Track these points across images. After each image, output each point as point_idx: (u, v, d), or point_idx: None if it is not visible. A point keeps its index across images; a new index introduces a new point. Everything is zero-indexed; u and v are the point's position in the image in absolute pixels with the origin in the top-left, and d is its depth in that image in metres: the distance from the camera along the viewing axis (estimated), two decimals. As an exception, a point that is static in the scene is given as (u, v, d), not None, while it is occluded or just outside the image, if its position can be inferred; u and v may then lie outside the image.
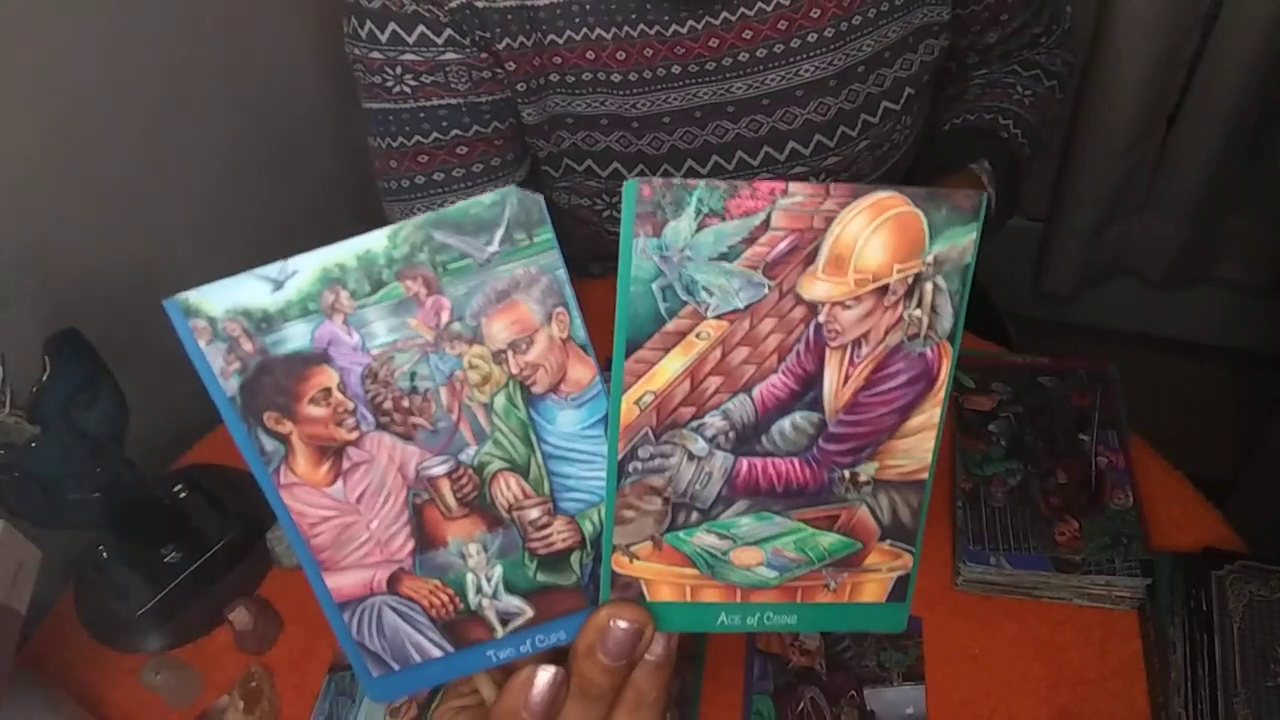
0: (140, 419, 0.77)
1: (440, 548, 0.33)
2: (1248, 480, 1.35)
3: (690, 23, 0.73)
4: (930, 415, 0.33)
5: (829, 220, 0.30)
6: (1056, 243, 1.60)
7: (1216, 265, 1.61)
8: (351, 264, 0.30)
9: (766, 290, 0.31)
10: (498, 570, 0.34)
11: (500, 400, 0.32)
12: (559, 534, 0.34)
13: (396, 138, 0.79)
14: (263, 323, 0.30)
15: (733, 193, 0.30)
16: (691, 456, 0.33)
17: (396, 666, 0.34)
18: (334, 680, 0.74)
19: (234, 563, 0.82)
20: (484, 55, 0.76)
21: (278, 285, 0.30)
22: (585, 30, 0.73)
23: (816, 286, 0.31)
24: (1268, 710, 0.61)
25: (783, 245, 0.31)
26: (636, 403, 0.32)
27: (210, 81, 0.96)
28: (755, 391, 0.32)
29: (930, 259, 0.31)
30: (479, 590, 0.34)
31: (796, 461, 0.33)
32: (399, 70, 0.75)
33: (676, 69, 0.75)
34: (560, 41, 0.74)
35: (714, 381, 0.32)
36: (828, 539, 0.34)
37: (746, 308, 0.31)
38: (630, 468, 0.32)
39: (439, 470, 0.32)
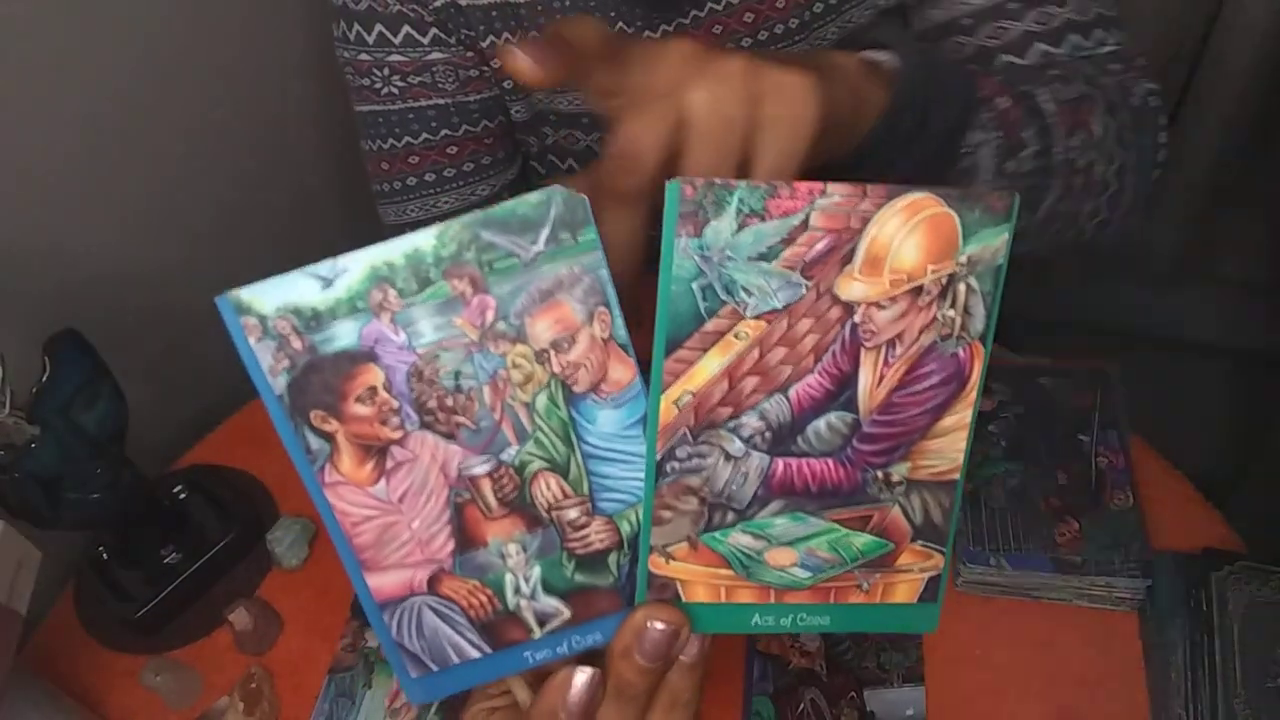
0: (140, 419, 0.77)
1: (480, 548, 0.33)
2: (1248, 480, 1.35)
3: (663, 27, 0.73)
4: (962, 416, 0.33)
5: (865, 220, 0.31)
6: (1057, 242, 1.60)
7: (1216, 265, 1.60)
8: (400, 262, 0.30)
9: (804, 290, 0.31)
10: (536, 571, 0.34)
11: (542, 400, 0.32)
12: (597, 534, 0.34)
13: (387, 139, 0.79)
14: (312, 321, 0.30)
15: (773, 193, 0.30)
16: (728, 456, 0.33)
17: (435, 667, 0.34)
18: (334, 681, 0.74)
19: (234, 563, 0.82)
20: (470, 54, 0.76)
21: (328, 283, 0.29)
22: None
23: (853, 287, 0.31)
24: (1268, 711, 0.61)
25: (820, 245, 0.31)
26: (675, 403, 0.32)
27: (211, 83, 0.96)
28: (791, 391, 0.32)
29: (964, 259, 0.31)
30: (517, 591, 0.34)
31: (831, 462, 0.33)
32: (386, 71, 0.75)
33: None
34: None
35: (751, 381, 0.32)
36: (861, 539, 0.34)
37: (784, 308, 0.31)
38: (668, 468, 0.33)
39: (481, 470, 0.32)
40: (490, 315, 0.31)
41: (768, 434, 0.33)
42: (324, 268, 0.29)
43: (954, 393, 0.33)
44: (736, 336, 0.31)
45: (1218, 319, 1.67)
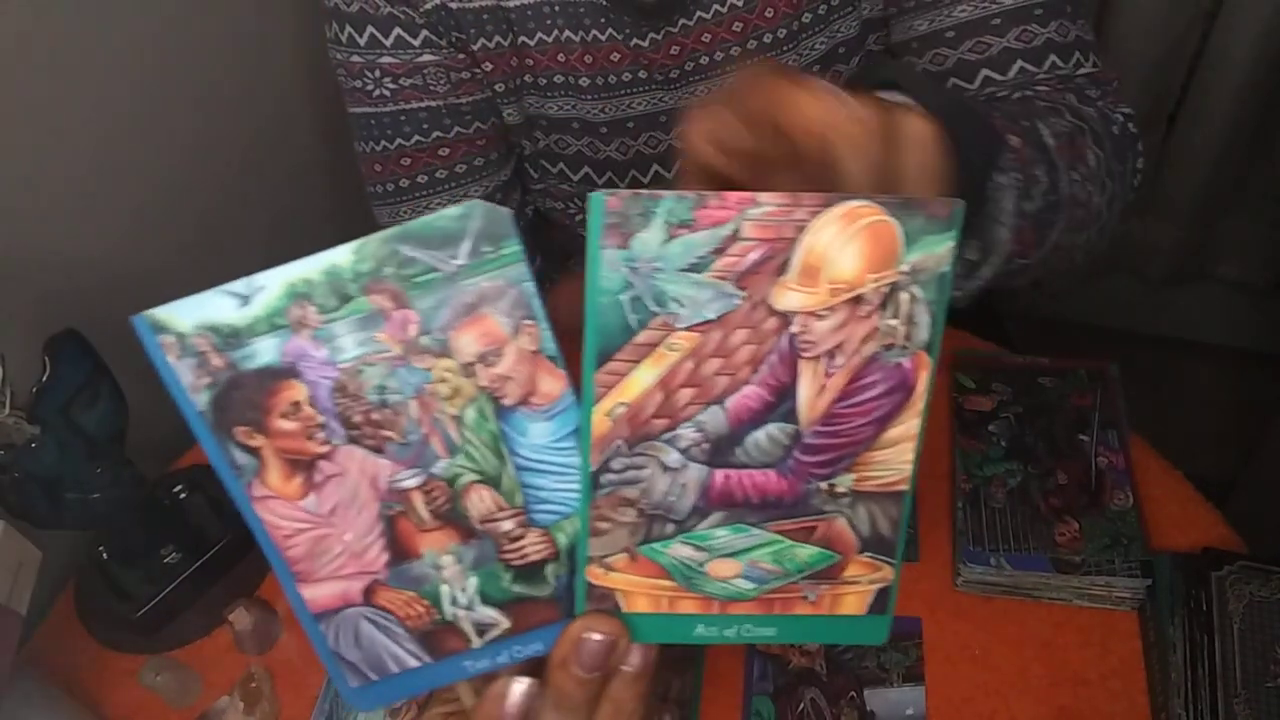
0: (140, 419, 0.77)
1: (414, 560, 0.33)
2: (1248, 480, 1.35)
3: (651, 35, 0.73)
4: (909, 426, 0.33)
5: (800, 230, 0.30)
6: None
7: (1216, 265, 1.60)
8: (318, 279, 0.29)
9: (738, 301, 0.31)
10: (473, 582, 0.34)
11: (471, 413, 0.32)
12: (533, 546, 0.34)
13: (379, 141, 0.79)
14: (231, 338, 0.30)
15: (701, 203, 0.29)
16: (665, 468, 0.32)
17: (374, 677, 0.34)
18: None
19: (234, 563, 0.82)
20: (461, 56, 0.76)
21: (245, 300, 0.29)
22: (556, 32, 0.73)
23: (789, 297, 0.31)
24: (1268, 711, 0.61)
25: (754, 255, 0.30)
26: (608, 414, 0.32)
27: (209, 87, 0.97)
28: (729, 403, 0.32)
29: (906, 268, 0.31)
30: (454, 601, 0.34)
31: (772, 473, 0.33)
32: (378, 74, 0.76)
33: (642, 74, 0.75)
34: (532, 43, 0.74)
35: (687, 393, 0.32)
36: (805, 551, 0.34)
37: (718, 319, 0.31)
38: (604, 479, 0.32)
39: (411, 483, 0.32)
40: (413, 329, 0.30)
41: (705, 445, 0.32)
42: (240, 285, 0.29)
43: (899, 403, 0.33)
44: (669, 348, 0.31)
45: (1218, 319, 1.67)
